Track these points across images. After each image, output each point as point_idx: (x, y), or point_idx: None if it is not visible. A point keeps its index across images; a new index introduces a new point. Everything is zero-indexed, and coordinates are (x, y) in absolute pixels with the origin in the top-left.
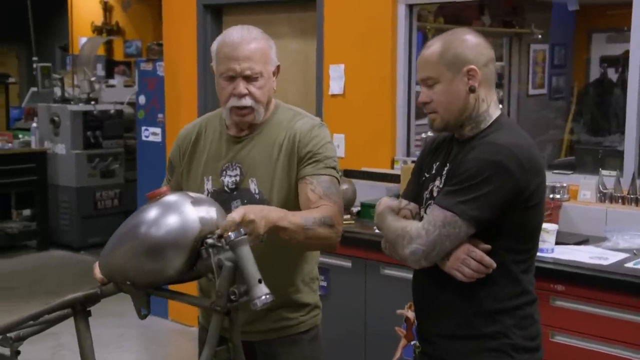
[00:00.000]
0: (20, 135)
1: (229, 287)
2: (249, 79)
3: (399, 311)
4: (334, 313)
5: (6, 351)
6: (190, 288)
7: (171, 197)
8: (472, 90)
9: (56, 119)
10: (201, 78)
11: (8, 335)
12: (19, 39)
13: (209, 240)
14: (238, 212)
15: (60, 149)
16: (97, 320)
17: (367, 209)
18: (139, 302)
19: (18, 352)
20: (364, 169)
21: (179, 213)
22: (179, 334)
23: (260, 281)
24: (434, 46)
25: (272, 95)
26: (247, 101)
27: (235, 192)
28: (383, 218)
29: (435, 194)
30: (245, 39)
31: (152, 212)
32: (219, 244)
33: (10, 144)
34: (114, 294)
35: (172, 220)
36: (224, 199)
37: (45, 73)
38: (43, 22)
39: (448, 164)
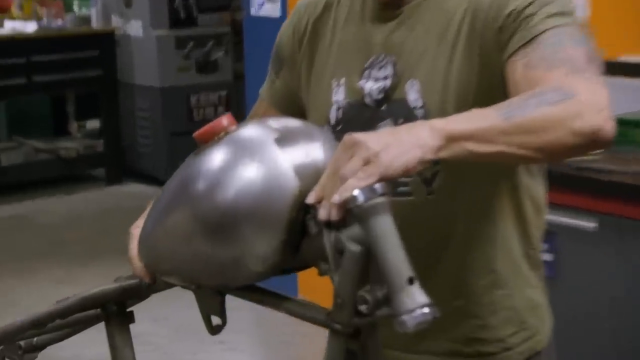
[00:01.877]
0: (75, 7)
1: (356, 290)
2: None
3: None
4: (568, 306)
5: None
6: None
7: (240, 134)
8: None
9: None
10: None
11: (18, 342)
12: None
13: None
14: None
15: (135, 28)
16: (183, 299)
17: (629, 130)
18: (208, 306)
19: None
20: (622, 58)
21: (258, 163)
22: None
23: (411, 280)
24: None
25: None
26: None
27: (384, 107)
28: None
29: None
30: None
31: (209, 164)
32: None
33: (60, 21)
34: (169, 288)
35: (246, 178)
36: (364, 118)
37: None
38: None
39: None
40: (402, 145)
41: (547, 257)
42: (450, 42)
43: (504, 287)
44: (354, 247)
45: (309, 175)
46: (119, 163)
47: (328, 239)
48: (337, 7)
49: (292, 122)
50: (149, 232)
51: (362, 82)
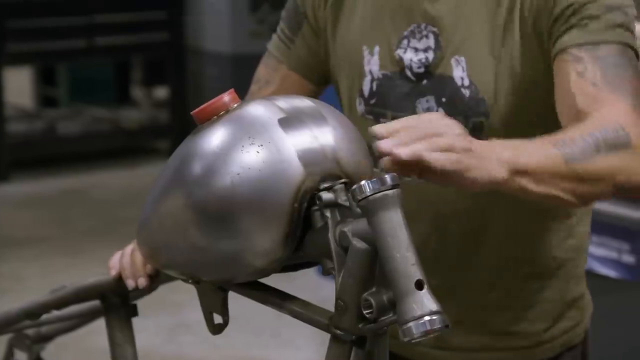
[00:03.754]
0: None
1: (360, 292)
2: None
3: None
4: None
5: (23, 357)
6: None
7: (242, 113)
8: None
9: None
10: None
11: (25, 332)
12: None
13: (325, 195)
14: (397, 124)
15: None
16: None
17: None
18: (210, 303)
19: None
20: None
21: (258, 146)
22: None
23: (420, 285)
24: None
25: None
26: None
27: (425, 81)
28: None
29: None
30: None
31: (205, 146)
32: (344, 202)
33: None
34: (172, 280)
35: (244, 163)
36: (403, 92)
37: None
38: None
39: None
40: (481, 161)
41: (628, 259)
42: (501, 24)
43: (541, 279)
44: (359, 244)
45: (316, 163)
46: (185, 136)
47: (333, 232)
48: None
49: (302, 102)
50: (146, 218)
51: (399, 52)
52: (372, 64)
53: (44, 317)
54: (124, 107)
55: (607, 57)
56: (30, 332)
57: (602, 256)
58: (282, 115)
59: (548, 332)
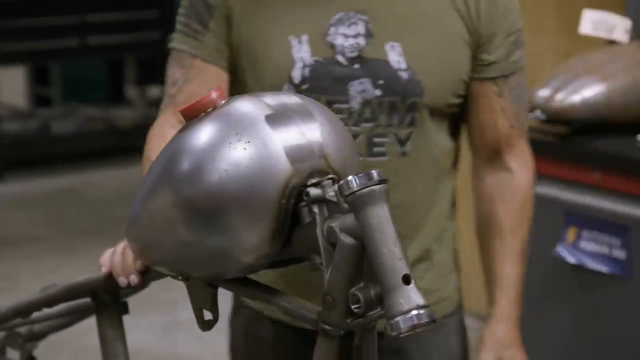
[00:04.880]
0: None
1: (348, 287)
2: None
3: None
4: None
5: (15, 356)
6: None
7: (229, 109)
8: None
9: None
10: None
11: (17, 330)
12: None
13: (313, 191)
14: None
15: None
16: None
17: None
18: (200, 300)
19: (32, 358)
20: None
21: (245, 142)
22: None
23: (407, 279)
24: None
25: None
26: None
27: (357, 65)
28: None
29: None
30: None
31: (192, 143)
32: (331, 197)
33: None
34: (163, 277)
35: (231, 159)
36: (335, 75)
37: None
38: None
39: None
40: None
41: (619, 254)
42: (434, 13)
43: (439, 242)
44: (347, 240)
45: (303, 159)
46: None
47: (321, 228)
48: None
49: (290, 98)
50: (136, 215)
51: (330, 38)
52: (303, 52)
53: (36, 315)
54: (118, 106)
55: (516, 88)
56: (22, 330)
57: (593, 251)
58: (269, 111)
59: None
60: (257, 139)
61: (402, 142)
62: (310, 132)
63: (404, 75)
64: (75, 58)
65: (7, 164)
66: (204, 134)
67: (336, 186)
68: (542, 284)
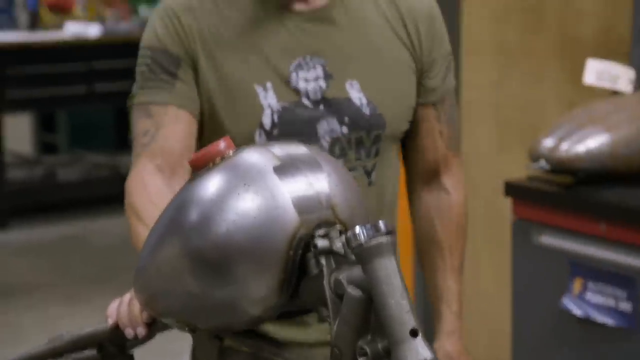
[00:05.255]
0: (140, 11)
1: (355, 340)
2: None
3: None
4: None
5: None
6: None
7: (237, 160)
8: None
9: None
10: None
11: None
12: None
13: (320, 242)
14: None
15: None
16: None
17: None
18: (206, 353)
19: None
20: None
21: (253, 193)
22: None
23: (414, 332)
24: None
25: None
26: None
27: (322, 106)
28: None
29: None
30: None
31: (200, 193)
32: (338, 249)
33: (124, 23)
34: (169, 329)
35: (239, 210)
36: (303, 119)
37: None
38: None
39: None
40: None
41: (625, 306)
42: (382, 46)
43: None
44: (354, 292)
45: (311, 209)
46: None
47: (328, 280)
48: (220, 9)
49: (298, 149)
50: (143, 265)
51: (293, 84)
52: (269, 99)
53: None
54: (124, 153)
55: (450, 110)
56: None
57: (599, 304)
58: (277, 162)
59: None
60: (265, 190)
61: (368, 174)
62: (318, 182)
63: (367, 110)
64: (81, 105)
65: (13, 211)
66: (212, 184)
67: (343, 237)
68: (549, 336)
